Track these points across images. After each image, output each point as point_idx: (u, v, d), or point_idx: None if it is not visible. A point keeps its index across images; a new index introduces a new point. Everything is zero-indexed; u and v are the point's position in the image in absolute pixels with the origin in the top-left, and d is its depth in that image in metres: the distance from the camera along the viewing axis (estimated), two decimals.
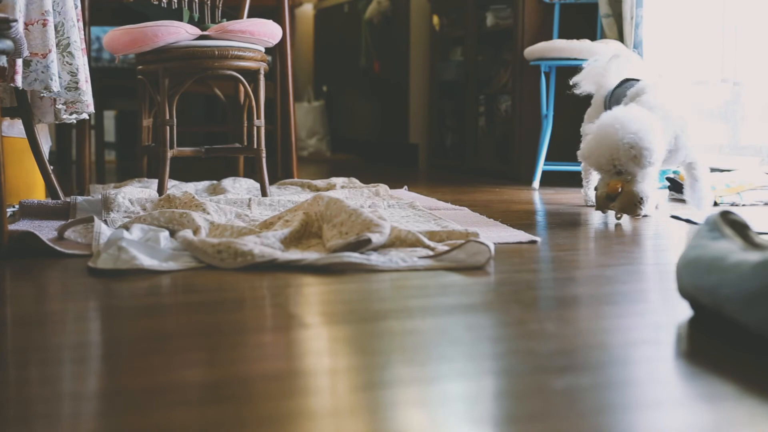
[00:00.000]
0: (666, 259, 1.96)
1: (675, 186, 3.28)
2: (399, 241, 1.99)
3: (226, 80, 3.35)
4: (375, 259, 1.82)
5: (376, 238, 1.93)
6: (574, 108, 3.58)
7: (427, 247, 1.96)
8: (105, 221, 2.37)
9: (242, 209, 2.59)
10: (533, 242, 2.17)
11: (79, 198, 2.61)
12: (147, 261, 1.79)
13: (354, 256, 1.82)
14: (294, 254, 1.89)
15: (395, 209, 2.74)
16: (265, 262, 1.83)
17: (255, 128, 3.05)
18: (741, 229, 1.42)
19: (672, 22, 3.73)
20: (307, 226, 2.11)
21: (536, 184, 3.83)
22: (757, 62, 3.61)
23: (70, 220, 2.28)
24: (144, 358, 1.18)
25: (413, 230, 2.03)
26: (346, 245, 1.90)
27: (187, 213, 2.17)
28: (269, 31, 2.99)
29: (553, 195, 3.50)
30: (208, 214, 2.31)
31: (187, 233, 2.00)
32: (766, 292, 1.18)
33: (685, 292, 1.41)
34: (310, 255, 1.88)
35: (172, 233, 2.07)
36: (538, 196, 3.45)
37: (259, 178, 3.09)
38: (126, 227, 2.07)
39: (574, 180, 3.84)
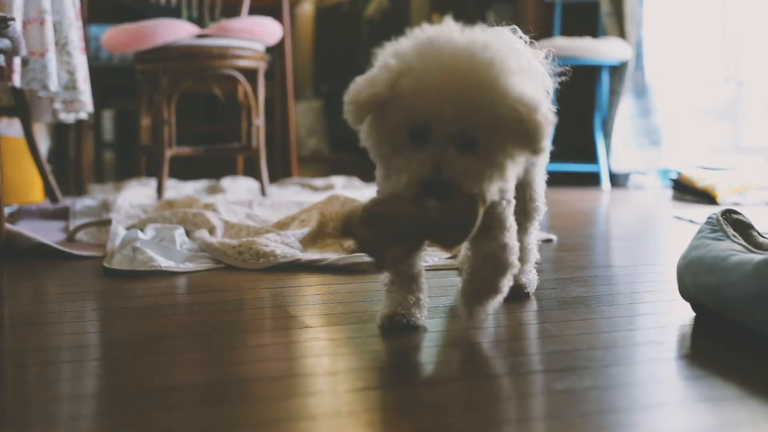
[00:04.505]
0: (667, 259, 1.95)
1: (678, 186, 3.27)
2: None
3: (226, 79, 3.33)
4: None
5: None
6: (574, 107, 3.57)
7: None
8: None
9: (245, 209, 2.58)
10: (549, 241, 2.18)
11: (78, 205, 2.60)
12: (164, 262, 1.78)
13: None
14: (314, 254, 1.88)
15: None
16: (287, 263, 1.81)
17: (254, 127, 3.04)
18: (744, 228, 1.41)
19: (674, 21, 3.72)
20: (322, 226, 2.10)
21: None
22: (760, 61, 3.60)
23: (85, 222, 2.26)
24: (144, 359, 1.17)
25: None
26: None
27: (201, 213, 2.16)
28: (268, 30, 2.98)
29: (553, 195, 3.48)
30: (219, 213, 2.29)
31: (204, 234, 1.99)
32: (767, 293, 1.17)
33: (686, 292, 1.40)
34: (330, 255, 1.87)
35: (188, 233, 2.06)
36: None
37: (258, 178, 3.08)
38: (140, 227, 2.05)
39: (575, 179, 3.83)
